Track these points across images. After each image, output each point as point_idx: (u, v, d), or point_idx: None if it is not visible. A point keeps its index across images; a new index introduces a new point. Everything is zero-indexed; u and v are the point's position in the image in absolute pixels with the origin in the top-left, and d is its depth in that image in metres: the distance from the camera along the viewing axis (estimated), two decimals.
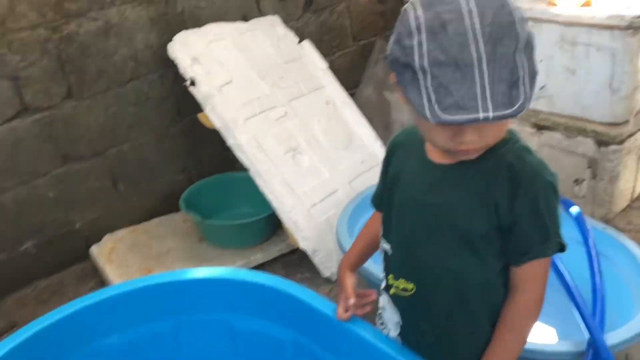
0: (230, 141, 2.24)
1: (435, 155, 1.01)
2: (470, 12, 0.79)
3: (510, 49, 0.79)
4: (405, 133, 1.11)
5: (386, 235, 1.11)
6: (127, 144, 2.44)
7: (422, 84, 0.81)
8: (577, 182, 2.36)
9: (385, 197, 1.11)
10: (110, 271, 2.27)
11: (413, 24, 0.82)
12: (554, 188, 0.94)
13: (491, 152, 0.92)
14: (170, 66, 2.41)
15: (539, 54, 2.31)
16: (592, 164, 2.28)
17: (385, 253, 1.12)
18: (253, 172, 2.23)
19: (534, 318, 1.01)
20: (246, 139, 2.24)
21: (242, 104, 2.32)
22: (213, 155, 2.72)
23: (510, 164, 0.93)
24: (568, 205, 1.97)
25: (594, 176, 2.30)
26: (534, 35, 0.84)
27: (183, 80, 2.30)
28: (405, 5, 0.87)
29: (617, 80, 2.13)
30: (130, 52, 2.34)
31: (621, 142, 2.20)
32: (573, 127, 2.29)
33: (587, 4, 2.17)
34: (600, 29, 2.09)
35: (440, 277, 1.03)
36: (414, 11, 0.83)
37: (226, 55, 2.41)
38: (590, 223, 1.89)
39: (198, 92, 2.26)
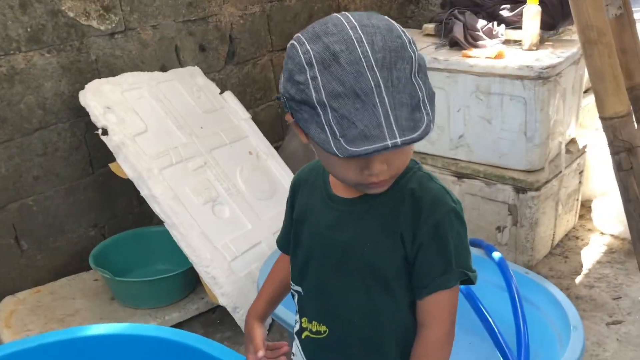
0: (144, 192, 2.12)
1: (339, 190, 0.97)
2: (359, 40, 0.77)
3: (406, 72, 0.77)
4: (308, 169, 1.06)
5: (296, 278, 1.04)
6: (32, 198, 2.27)
7: (323, 118, 0.77)
8: (499, 229, 2.37)
9: (292, 238, 1.05)
10: (8, 336, 2.05)
11: (303, 59, 0.79)
12: (457, 214, 0.91)
13: (394, 182, 0.89)
14: (82, 115, 2.30)
15: (457, 103, 2.36)
16: (512, 210, 2.30)
17: (298, 296, 1.04)
18: (168, 225, 2.10)
19: (446, 353, 0.94)
20: (161, 190, 2.13)
21: (158, 154, 2.21)
22: (128, 209, 2.58)
23: (412, 191, 0.90)
24: (490, 250, 1.96)
25: (514, 223, 2.32)
26: (423, 58, 0.82)
27: (95, 129, 2.18)
28: (290, 42, 0.84)
29: (531, 129, 2.19)
30: (37, 100, 2.21)
31: (538, 188, 2.24)
32: (492, 175, 2.32)
33: (499, 56, 2.25)
34: (512, 79, 2.16)
35: (352, 318, 0.97)
36: (302, 46, 0.80)
37: (142, 104, 2.32)
38: (513, 268, 1.88)
39: (110, 141, 2.14)
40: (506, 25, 2.49)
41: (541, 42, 2.39)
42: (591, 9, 1.84)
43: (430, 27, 2.68)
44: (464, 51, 2.34)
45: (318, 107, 0.77)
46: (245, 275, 2.15)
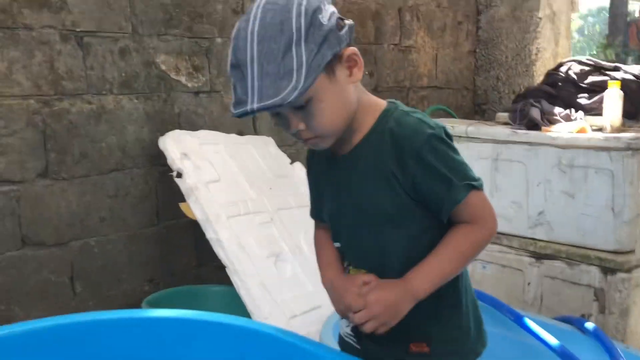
0: (209, 235, 2.06)
1: (336, 149, 1.04)
2: (255, 17, 0.89)
3: (279, 45, 0.86)
4: None
5: (333, 236, 1.12)
6: (95, 239, 2.23)
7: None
8: (584, 317, 2.15)
9: (318, 205, 1.15)
10: None
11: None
12: (437, 137, 0.96)
13: (374, 128, 0.99)
14: (157, 164, 2.33)
15: (537, 177, 2.27)
16: (599, 295, 2.10)
17: (340, 249, 1.12)
18: (230, 270, 2.01)
19: (476, 245, 0.99)
20: (227, 235, 2.07)
21: (227, 203, 2.19)
22: (186, 270, 2.49)
23: (391, 130, 0.98)
24: (581, 323, 1.77)
25: (602, 310, 2.11)
26: (330, 27, 0.89)
27: (169, 178, 2.19)
28: None
29: (619, 204, 2.07)
30: (119, 142, 2.26)
31: (629, 270, 2.06)
32: (575, 255, 2.16)
33: (582, 131, 2.21)
34: (598, 150, 2.09)
35: (383, 259, 1.03)
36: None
37: (217, 157, 2.35)
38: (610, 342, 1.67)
39: (183, 183, 2.14)
40: (585, 113, 2.47)
41: (622, 129, 2.34)
42: None
43: (504, 115, 2.69)
44: (543, 127, 2.31)
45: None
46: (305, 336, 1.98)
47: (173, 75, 2.40)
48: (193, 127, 2.46)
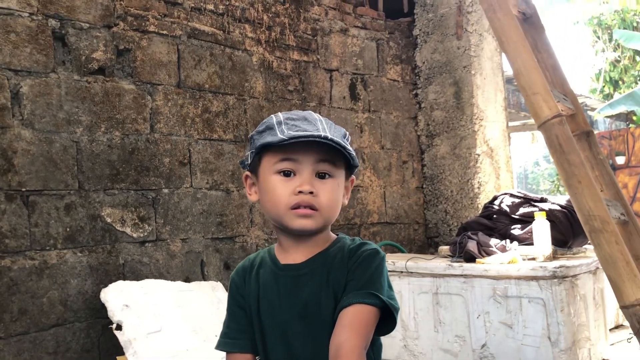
0: None
1: (286, 259, 1.09)
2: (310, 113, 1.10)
3: (341, 132, 1.08)
4: (247, 261, 1.16)
5: (263, 353, 1.09)
6: None
7: (277, 129, 1.04)
8: None
9: (252, 321, 1.10)
10: None
11: (273, 118, 1.08)
12: (375, 253, 1.05)
13: (331, 245, 1.09)
14: (100, 317, 2.33)
15: (476, 309, 2.31)
16: None
17: None
18: None
19: None
20: None
21: (168, 354, 2.16)
22: None
23: (345, 245, 1.09)
24: None
25: None
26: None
27: (111, 331, 2.18)
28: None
29: (554, 332, 2.10)
30: (60, 296, 2.27)
31: None
32: None
33: (512, 262, 2.29)
34: (528, 280, 2.16)
35: None
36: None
37: (161, 307, 2.35)
38: None
39: (122, 335, 2.13)
40: (519, 243, 2.57)
41: (555, 257, 2.43)
42: (590, 200, 1.95)
43: (445, 248, 2.78)
44: (477, 259, 2.39)
45: (275, 125, 1.04)
46: None
47: (118, 227, 2.47)
48: (138, 277, 2.48)
